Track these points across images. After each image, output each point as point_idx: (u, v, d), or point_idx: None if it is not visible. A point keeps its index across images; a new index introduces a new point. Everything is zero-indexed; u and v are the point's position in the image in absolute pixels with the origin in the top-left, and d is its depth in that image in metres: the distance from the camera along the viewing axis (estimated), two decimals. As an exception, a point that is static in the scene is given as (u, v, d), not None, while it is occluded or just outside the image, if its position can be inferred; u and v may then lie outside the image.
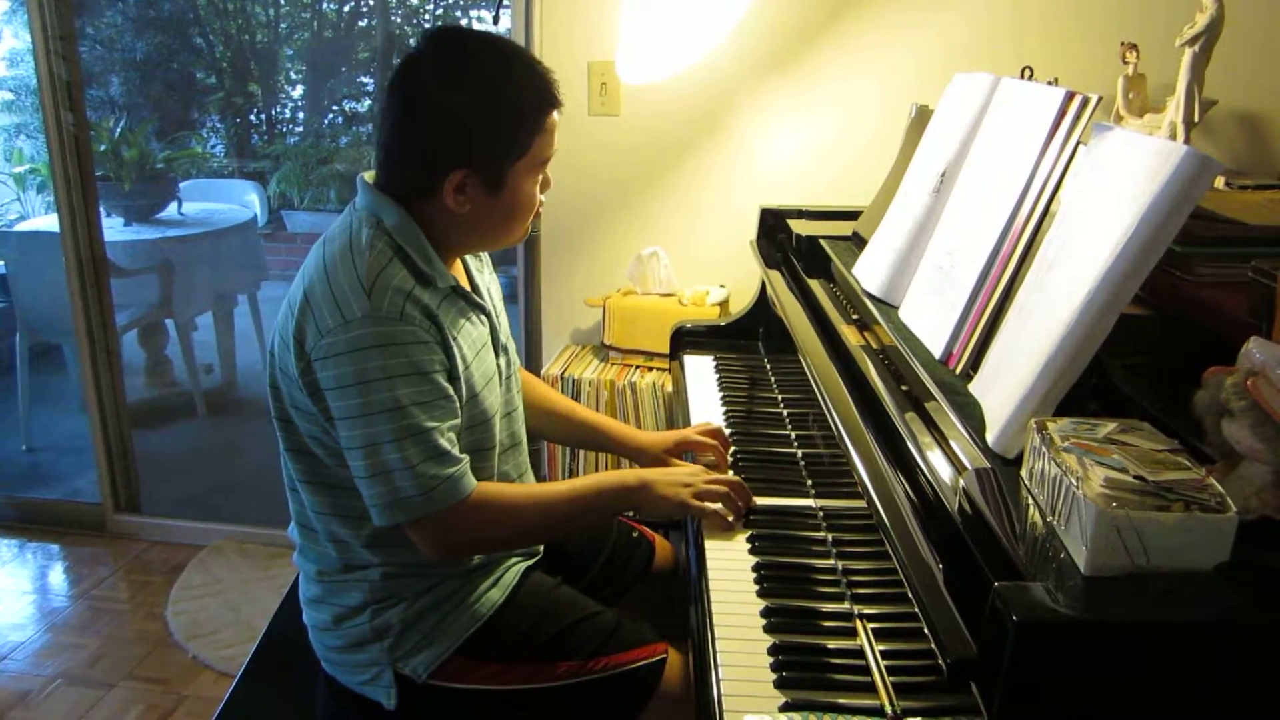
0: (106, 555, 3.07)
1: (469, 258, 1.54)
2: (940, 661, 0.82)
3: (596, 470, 2.48)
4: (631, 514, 1.81)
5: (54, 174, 2.93)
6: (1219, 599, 0.75)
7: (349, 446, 1.29)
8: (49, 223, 3.76)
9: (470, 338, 1.40)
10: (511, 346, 1.57)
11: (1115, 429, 0.88)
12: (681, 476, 1.51)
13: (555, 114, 1.38)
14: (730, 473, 1.68)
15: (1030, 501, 0.89)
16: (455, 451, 1.32)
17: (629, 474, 1.51)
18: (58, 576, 2.99)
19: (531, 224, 1.47)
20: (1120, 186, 0.97)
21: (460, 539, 1.36)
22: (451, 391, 1.33)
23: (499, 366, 1.49)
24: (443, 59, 1.32)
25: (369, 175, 1.41)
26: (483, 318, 1.46)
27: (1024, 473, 0.92)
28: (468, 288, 1.45)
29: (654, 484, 1.48)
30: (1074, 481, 0.79)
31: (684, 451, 1.72)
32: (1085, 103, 1.15)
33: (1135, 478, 0.79)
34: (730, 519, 1.48)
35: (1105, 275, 0.93)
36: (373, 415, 1.26)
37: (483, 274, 1.56)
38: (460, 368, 1.35)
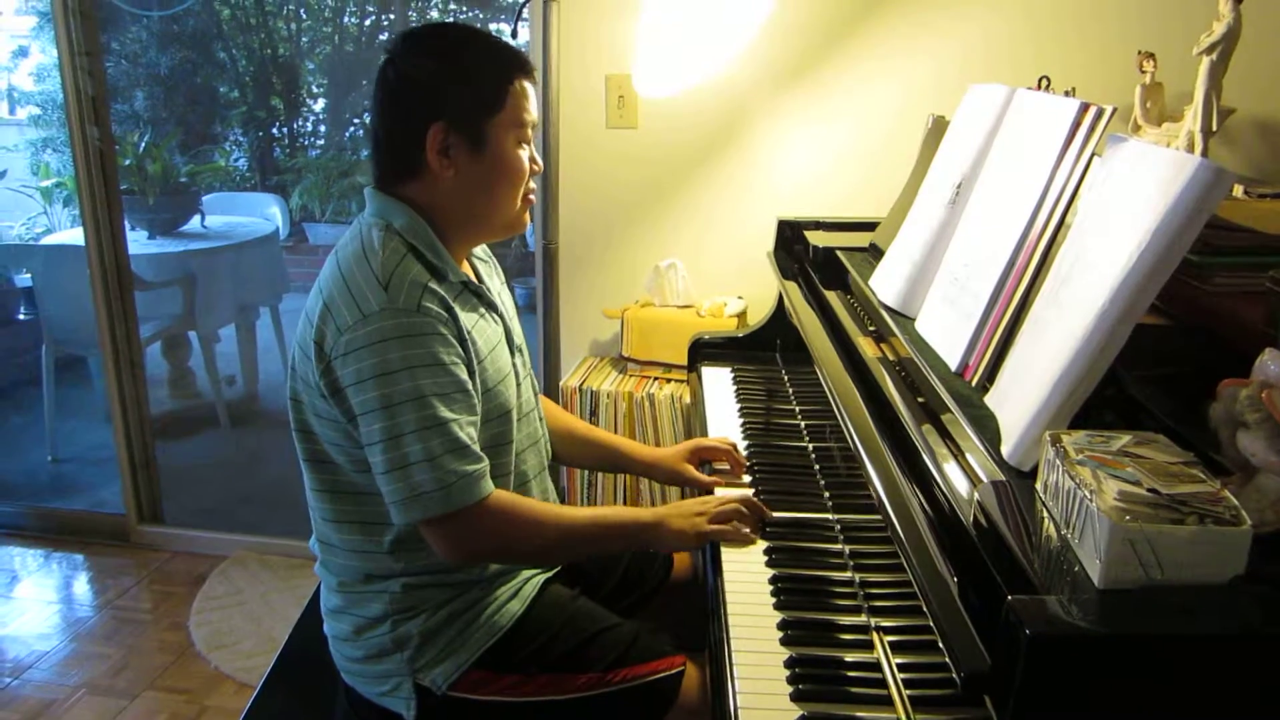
0: (130, 565, 3.10)
1: (478, 264, 1.55)
2: (955, 675, 0.82)
3: (616, 490, 2.50)
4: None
5: (80, 188, 2.96)
6: (1234, 612, 0.75)
7: (370, 442, 1.30)
8: (75, 236, 3.80)
9: (485, 334, 1.42)
10: (525, 350, 1.59)
11: (1130, 442, 0.87)
12: (694, 507, 1.51)
13: (527, 81, 1.42)
14: (746, 478, 1.70)
15: (1045, 514, 0.89)
16: (475, 449, 1.33)
17: (645, 512, 1.51)
18: (82, 586, 3.02)
19: (528, 216, 1.49)
20: (1135, 198, 0.97)
21: (474, 543, 1.36)
22: (470, 386, 1.34)
23: (515, 366, 1.50)
24: (409, 40, 1.41)
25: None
26: (496, 317, 1.48)
27: (1039, 485, 0.91)
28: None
29: (667, 520, 1.49)
30: (1088, 494, 0.79)
31: (700, 460, 1.73)
32: (1100, 114, 1.15)
33: (1149, 491, 0.78)
34: (746, 530, 1.48)
35: (1120, 287, 0.93)
36: (395, 406, 1.27)
37: (493, 280, 1.58)
38: (475, 361, 1.37)
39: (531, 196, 1.48)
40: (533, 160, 1.45)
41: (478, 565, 1.45)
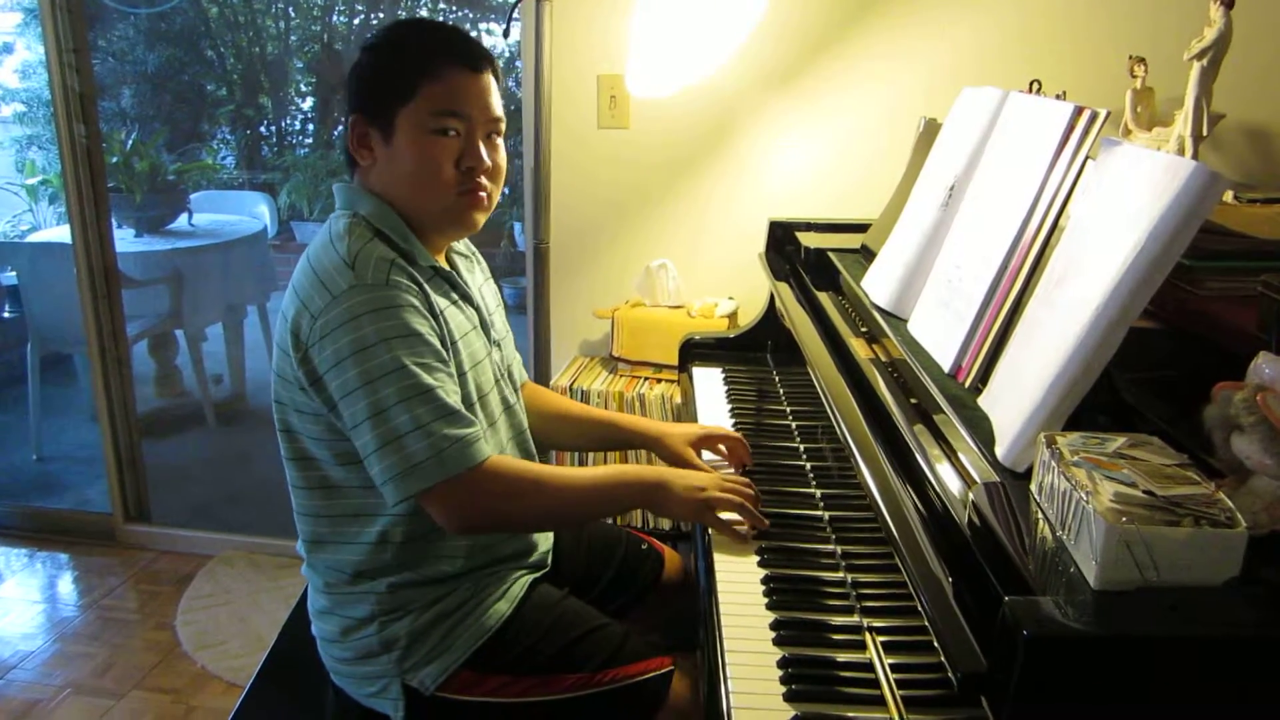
0: (116, 565, 3.08)
1: (457, 259, 1.55)
2: (951, 675, 0.83)
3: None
4: (641, 525, 1.80)
5: (66, 185, 2.95)
6: (1229, 614, 0.75)
7: (355, 424, 1.28)
8: (61, 234, 3.78)
9: (456, 319, 1.42)
10: (507, 344, 1.58)
11: (1125, 444, 0.88)
12: (699, 480, 1.48)
13: (461, 71, 1.38)
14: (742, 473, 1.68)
15: (1040, 516, 0.89)
16: (465, 413, 1.31)
17: (648, 471, 1.50)
18: (67, 586, 3.00)
19: (476, 215, 1.43)
20: (1129, 202, 0.98)
21: (477, 510, 1.33)
22: (446, 356, 1.34)
23: (492, 358, 1.50)
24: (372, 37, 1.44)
25: None
26: (470, 308, 1.48)
27: (1033, 487, 0.92)
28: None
29: (671, 485, 1.46)
30: (1084, 496, 0.79)
31: (703, 448, 1.70)
32: (1094, 118, 1.15)
33: (1145, 492, 0.79)
34: (745, 529, 1.46)
35: (1114, 290, 0.94)
36: (375, 381, 1.26)
37: (474, 274, 1.57)
38: (448, 341, 1.37)
39: (481, 195, 1.42)
40: (468, 154, 1.40)
41: (482, 539, 1.44)
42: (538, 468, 1.43)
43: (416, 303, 1.32)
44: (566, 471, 1.45)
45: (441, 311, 1.38)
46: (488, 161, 1.42)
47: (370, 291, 1.28)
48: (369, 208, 1.39)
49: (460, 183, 1.40)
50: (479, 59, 1.40)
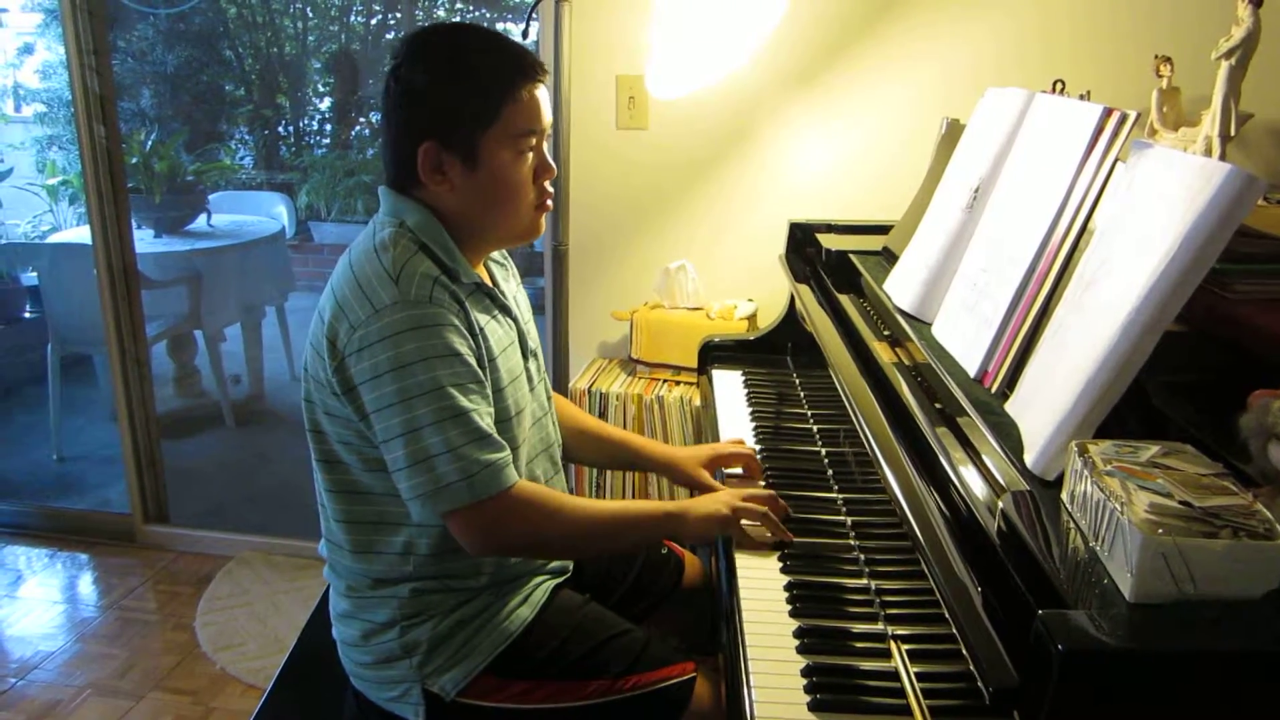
0: (136, 565, 3.09)
1: (494, 267, 1.54)
2: (982, 688, 0.81)
3: (625, 491, 2.48)
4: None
5: (86, 186, 2.96)
6: (1269, 628, 0.73)
7: (387, 438, 1.28)
8: (81, 234, 3.80)
9: (496, 334, 1.41)
10: (540, 354, 1.57)
11: (1158, 452, 0.86)
12: (717, 500, 1.50)
13: (533, 87, 1.37)
14: (760, 482, 1.68)
15: (1071, 525, 0.87)
16: (496, 437, 1.31)
17: (668, 503, 1.50)
18: (87, 586, 3.01)
19: (543, 221, 1.46)
20: (1161, 205, 0.96)
21: (503, 533, 1.33)
22: (483, 377, 1.33)
23: (527, 370, 1.49)
24: (410, 46, 1.37)
25: None
26: (509, 320, 1.47)
27: (1064, 496, 0.90)
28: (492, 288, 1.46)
29: (688, 511, 1.47)
30: (1118, 506, 0.77)
31: (716, 468, 1.71)
32: (1124, 119, 1.14)
33: (1181, 503, 0.77)
34: (770, 536, 1.46)
35: (1147, 295, 0.92)
36: (411, 400, 1.26)
37: (508, 283, 1.56)
38: (486, 359, 1.36)
39: (548, 202, 1.44)
40: (543, 167, 1.42)
41: (506, 558, 1.43)
42: (563, 497, 1.42)
43: (457, 322, 1.31)
44: (591, 502, 1.45)
45: (482, 329, 1.36)
46: (554, 168, 1.44)
47: (413, 309, 1.27)
48: (415, 219, 1.37)
49: (539, 196, 1.42)
50: (542, 70, 1.39)
